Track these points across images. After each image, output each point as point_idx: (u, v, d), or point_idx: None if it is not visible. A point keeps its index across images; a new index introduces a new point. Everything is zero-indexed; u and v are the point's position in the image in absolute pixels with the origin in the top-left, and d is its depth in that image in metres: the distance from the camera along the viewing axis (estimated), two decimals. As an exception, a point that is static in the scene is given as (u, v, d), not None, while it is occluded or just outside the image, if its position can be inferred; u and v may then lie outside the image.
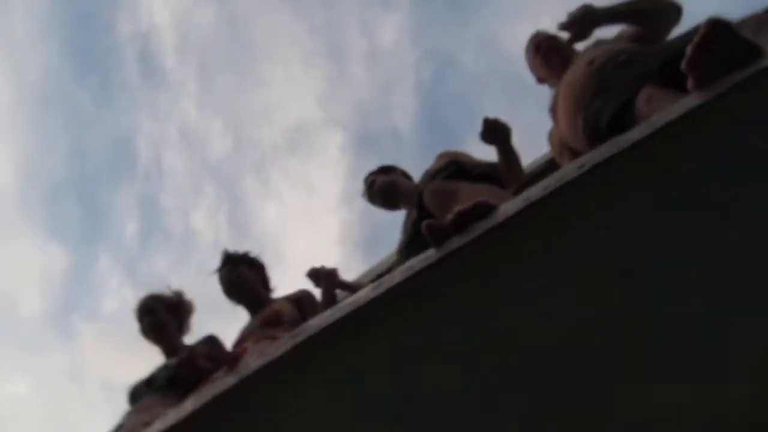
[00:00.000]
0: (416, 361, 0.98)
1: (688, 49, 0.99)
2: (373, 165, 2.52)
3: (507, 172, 2.07)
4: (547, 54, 2.19)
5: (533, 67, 2.29)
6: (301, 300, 2.25)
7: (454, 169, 2.06)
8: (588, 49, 2.02)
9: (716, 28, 0.98)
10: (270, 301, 2.37)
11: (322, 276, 2.19)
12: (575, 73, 1.96)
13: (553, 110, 2.10)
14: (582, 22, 1.88)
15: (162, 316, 2.37)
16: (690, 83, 0.97)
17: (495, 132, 2.05)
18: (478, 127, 2.03)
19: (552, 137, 2.16)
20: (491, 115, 2.08)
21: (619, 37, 2.02)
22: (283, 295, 2.37)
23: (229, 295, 2.40)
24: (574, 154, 1.95)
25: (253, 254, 2.50)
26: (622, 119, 1.61)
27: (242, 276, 2.39)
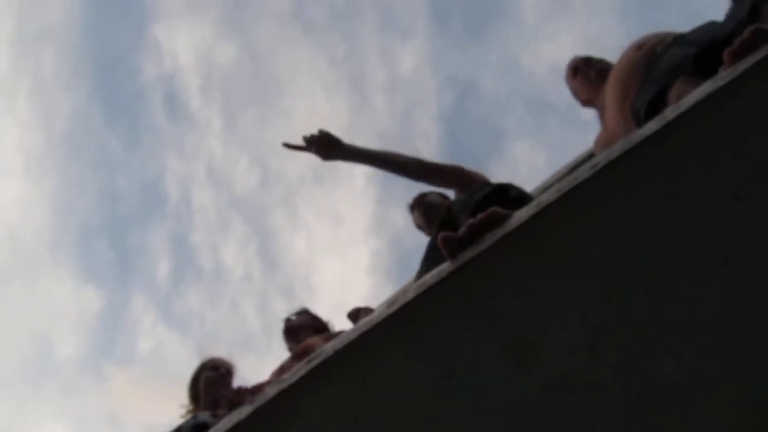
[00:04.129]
0: (435, 378, 0.95)
1: (725, 57, 0.93)
2: (399, 193, 2.54)
3: None
4: (584, 72, 2.16)
5: (575, 92, 2.26)
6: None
7: (490, 190, 2.01)
8: (638, 38, 1.96)
9: (758, 35, 0.93)
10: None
11: (361, 314, 2.17)
12: (622, 60, 1.91)
13: (600, 110, 2.05)
14: None
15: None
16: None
17: None
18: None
19: (597, 142, 2.12)
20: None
21: None
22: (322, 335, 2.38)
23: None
24: None
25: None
26: (659, 110, 1.56)
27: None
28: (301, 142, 2.11)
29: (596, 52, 2.27)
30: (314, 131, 2.08)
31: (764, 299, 0.94)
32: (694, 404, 0.93)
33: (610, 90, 1.93)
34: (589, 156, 2.56)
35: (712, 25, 1.65)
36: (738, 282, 0.93)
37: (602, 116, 2.05)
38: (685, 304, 0.93)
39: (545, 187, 2.79)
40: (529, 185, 2.30)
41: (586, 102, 2.17)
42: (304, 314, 2.55)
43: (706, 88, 0.86)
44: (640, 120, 1.64)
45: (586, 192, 0.88)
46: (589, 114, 2.23)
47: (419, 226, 2.47)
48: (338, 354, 0.96)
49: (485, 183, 2.04)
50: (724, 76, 0.84)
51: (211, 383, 2.50)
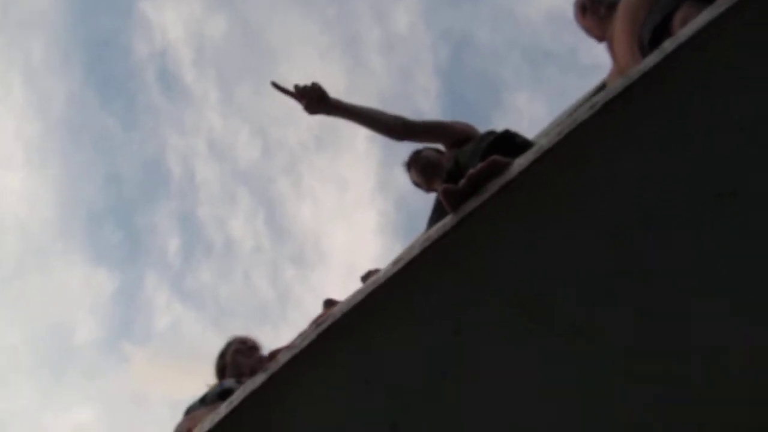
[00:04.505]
0: (444, 335, 0.94)
1: None
2: (401, 152, 2.50)
3: None
4: (593, 8, 2.09)
5: (587, 30, 2.19)
6: None
7: (495, 137, 1.97)
8: None
9: None
10: None
11: (371, 277, 2.15)
12: None
13: (610, 45, 2.00)
14: None
15: None
16: None
17: None
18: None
19: (610, 77, 2.06)
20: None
21: None
22: None
23: None
24: None
25: None
26: (664, 37, 1.50)
27: None
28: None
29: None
30: (314, 81, 2.06)
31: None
32: (708, 350, 0.92)
33: (619, 22, 1.87)
34: (589, 96, 2.52)
35: None
36: (747, 213, 0.91)
37: (611, 50, 2.00)
38: (694, 241, 0.91)
39: (546, 133, 2.75)
40: (531, 135, 2.27)
41: (602, 39, 2.11)
42: None
43: (705, 16, 0.82)
44: (645, 50, 1.60)
45: (586, 133, 0.86)
46: (588, 58, 2.18)
47: (416, 184, 2.45)
48: (346, 316, 0.95)
49: (490, 131, 2.01)
50: (722, 3, 0.81)
51: (238, 353, 2.57)
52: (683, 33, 0.83)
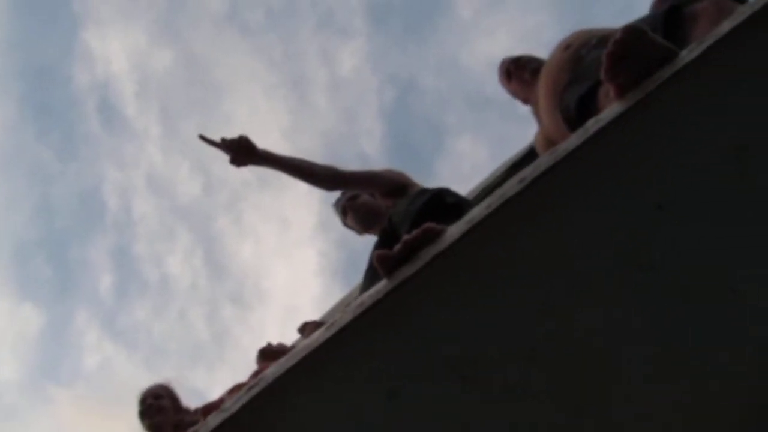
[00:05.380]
0: (378, 398, 0.95)
1: (603, 59, 0.98)
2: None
3: None
4: (518, 74, 2.20)
5: (513, 94, 2.29)
6: None
7: (427, 198, 2.00)
8: (566, 37, 2.00)
9: (632, 35, 0.97)
10: None
11: (307, 328, 2.14)
12: (551, 60, 1.95)
13: (535, 108, 2.09)
14: None
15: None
16: (611, 92, 0.95)
17: None
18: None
19: (537, 139, 2.15)
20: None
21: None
22: None
23: None
24: None
25: None
26: (589, 106, 1.60)
27: None
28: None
29: (532, 47, 2.32)
30: (241, 134, 2.05)
31: (688, 299, 0.97)
32: (635, 406, 0.96)
33: (542, 88, 1.97)
34: (520, 157, 2.63)
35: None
36: (663, 284, 0.96)
37: (536, 113, 2.10)
38: (616, 309, 0.95)
39: (485, 187, 2.83)
40: (472, 180, 2.32)
41: (526, 101, 2.22)
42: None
43: (624, 103, 0.88)
44: (570, 115, 1.69)
45: (514, 207, 0.90)
46: (525, 108, 2.28)
47: (349, 226, 2.46)
48: (278, 380, 0.95)
49: (422, 190, 2.05)
50: (636, 94, 0.87)
51: (150, 410, 2.49)
52: (604, 116, 0.89)
